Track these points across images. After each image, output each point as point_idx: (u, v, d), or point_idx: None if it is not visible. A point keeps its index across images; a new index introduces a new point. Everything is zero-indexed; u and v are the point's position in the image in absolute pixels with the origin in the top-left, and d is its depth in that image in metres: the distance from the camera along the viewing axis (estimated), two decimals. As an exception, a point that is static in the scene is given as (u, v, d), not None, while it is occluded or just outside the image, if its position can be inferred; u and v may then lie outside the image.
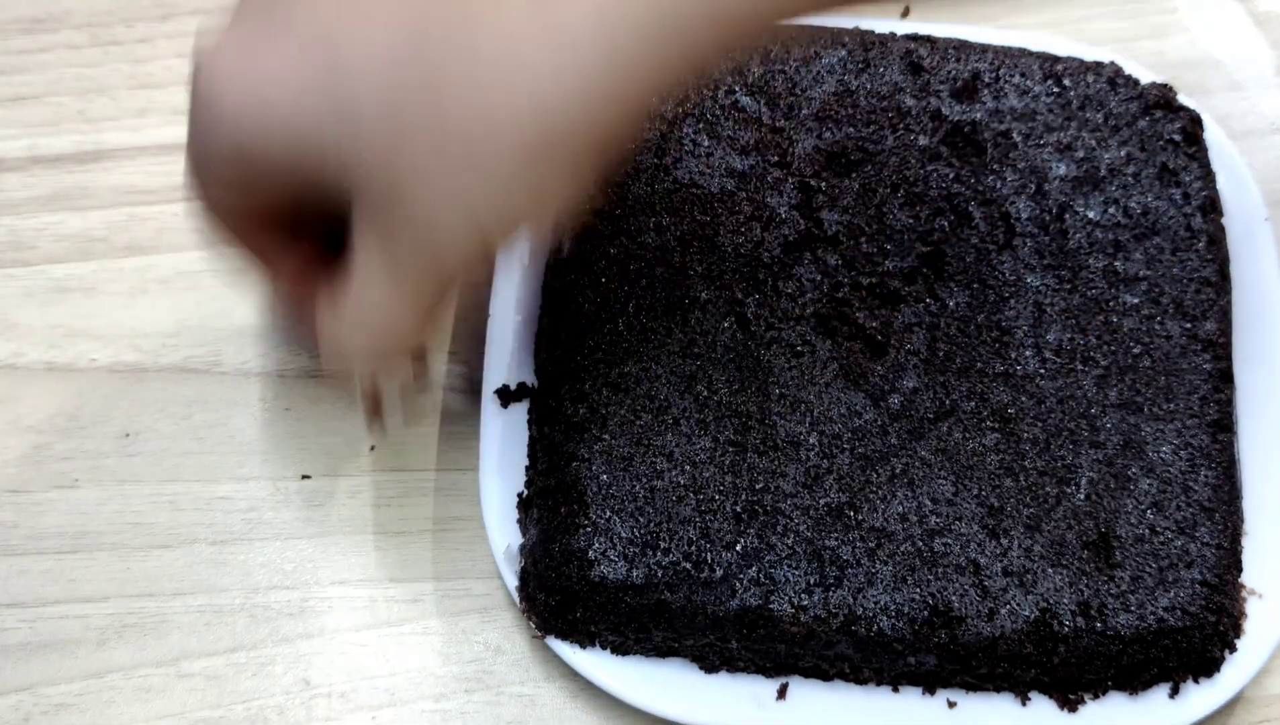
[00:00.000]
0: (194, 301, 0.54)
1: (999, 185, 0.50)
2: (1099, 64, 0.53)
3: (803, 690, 0.46)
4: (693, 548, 0.45)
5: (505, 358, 0.50)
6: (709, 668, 0.46)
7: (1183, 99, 0.54)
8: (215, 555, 0.49)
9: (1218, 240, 0.50)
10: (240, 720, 0.47)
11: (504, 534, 0.47)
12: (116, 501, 0.50)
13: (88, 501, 0.50)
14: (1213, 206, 0.51)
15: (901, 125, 0.51)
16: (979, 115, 0.51)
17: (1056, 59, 0.53)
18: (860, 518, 0.45)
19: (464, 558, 0.49)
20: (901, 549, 0.45)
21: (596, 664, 0.46)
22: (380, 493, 0.50)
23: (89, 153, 0.56)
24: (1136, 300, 0.49)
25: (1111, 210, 0.50)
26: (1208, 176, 0.51)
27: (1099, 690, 0.46)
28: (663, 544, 0.45)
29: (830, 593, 0.44)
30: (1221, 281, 0.50)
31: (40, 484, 0.50)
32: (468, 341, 0.53)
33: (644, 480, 0.46)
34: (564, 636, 0.46)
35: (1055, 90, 0.52)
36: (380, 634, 0.48)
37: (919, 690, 0.46)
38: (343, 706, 0.47)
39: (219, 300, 0.54)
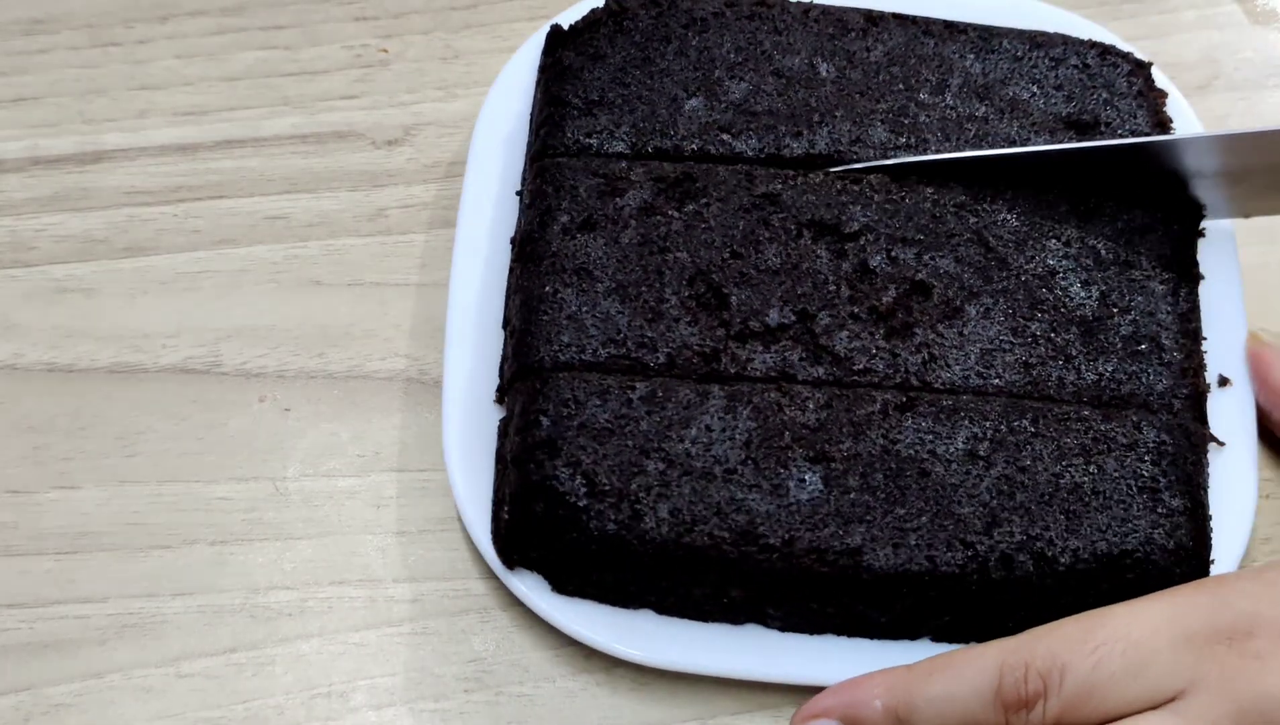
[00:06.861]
0: (194, 302, 0.54)
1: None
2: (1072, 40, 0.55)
3: (781, 639, 0.47)
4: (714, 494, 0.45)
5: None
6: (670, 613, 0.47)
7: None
8: (215, 556, 0.49)
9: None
10: (240, 720, 0.47)
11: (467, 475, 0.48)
12: (117, 502, 0.50)
13: (88, 502, 0.50)
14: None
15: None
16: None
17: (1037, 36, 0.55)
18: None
19: (464, 558, 0.49)
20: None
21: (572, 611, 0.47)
22: (380, 493, 0.50)
23: (89, 154, 0.57)
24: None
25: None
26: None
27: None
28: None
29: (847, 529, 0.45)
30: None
31: (40, 484, 0.50)
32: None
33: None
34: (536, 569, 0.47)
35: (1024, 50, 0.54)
36: (380, 634, 0.48)
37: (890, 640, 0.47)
38: (342, 706, 0.47)
39: (219, 301, 0.54)
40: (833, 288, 0.49)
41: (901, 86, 0.53)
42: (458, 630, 0.48)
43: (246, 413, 0.52)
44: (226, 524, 0.50)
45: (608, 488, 0.45)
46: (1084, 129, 0.52)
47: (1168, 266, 0.50)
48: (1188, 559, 0.46)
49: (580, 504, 0.45)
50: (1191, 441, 0.47)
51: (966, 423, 0.46)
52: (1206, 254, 0.52)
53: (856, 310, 0.48)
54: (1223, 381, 0.50)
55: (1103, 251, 0.50)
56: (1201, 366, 0.49)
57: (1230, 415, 0.50)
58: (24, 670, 0.47)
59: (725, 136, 0.51)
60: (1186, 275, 0.50)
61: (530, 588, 0.47)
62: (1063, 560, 0.45)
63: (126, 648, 0.48)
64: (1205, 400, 0.49)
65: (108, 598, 0.48)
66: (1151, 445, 0.47)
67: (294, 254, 0.55)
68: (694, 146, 0.51)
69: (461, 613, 0.49)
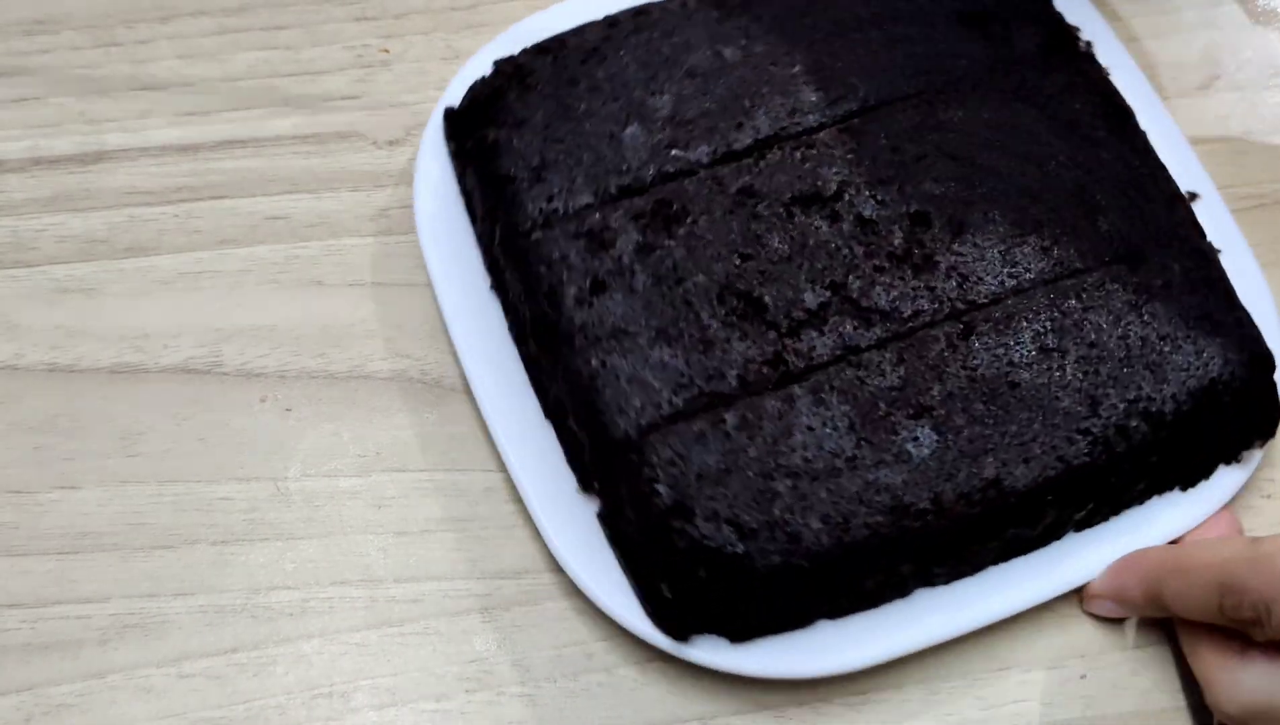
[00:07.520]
0: (195, 302, 0.54)
1: None
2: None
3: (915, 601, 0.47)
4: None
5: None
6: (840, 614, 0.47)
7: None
8: (216, 556, 0.49)
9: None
10: (241, 720, 0.47)
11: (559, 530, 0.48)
12: (118, 502, 0.50)
13: (89, 502, 0.50)
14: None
15: None
16: None
17: None
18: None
19: (464, 558, 0.49)
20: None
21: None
22: (380, 493, 0.51)
23: (90, 154, 0.57)
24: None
25: None
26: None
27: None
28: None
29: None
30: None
31: (42, 484, 0.50)
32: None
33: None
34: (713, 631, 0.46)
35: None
36: (381, 634, 0.48)
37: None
38: (343, 706, 0.47)
39: (220, 301, 0.54)
40: (846, 252, 0.49)
41: (805, 42, 0.53)
42: (459, 630, 0.48)
43: (248, 413, 0.52)
44: (228, 524, 0.50)
45: (754, 524, 0.44)
46: (982, 22, 0.53)
47: (1103, 115, 0.52)
48: (1261, 361, 0.48)
49: (739, 551, 0.44)
50: (1209, 258, 0.50)
51: (1024, 323, 0.48)
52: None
53: (877, 262, 0.49)
54: (1192, 196, 0.52)
55: (1050, 124, 0.51)
56: (1179, 193, 0.51)
57: (1212, 226, 0.52)
58: (25, 670, 0.47)
59: (675, 152, 0.51)
60: (1121, 115, 0.52)
61: (707, 649, 0.46)
62: (1168, 411, 0.47)
63: (128, 648, 0.48)
64: (1196, 219, 0.51)
65: (109, 598, 0.48)
66: (1182, 276, 0.49)
67: (295, 254, 0.55)
68: (651, 172, 0.50)
69: (462, 613, 0.49)
